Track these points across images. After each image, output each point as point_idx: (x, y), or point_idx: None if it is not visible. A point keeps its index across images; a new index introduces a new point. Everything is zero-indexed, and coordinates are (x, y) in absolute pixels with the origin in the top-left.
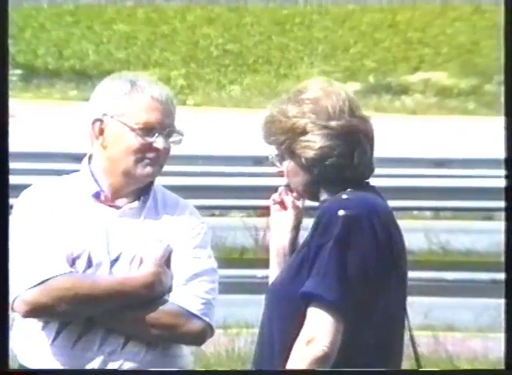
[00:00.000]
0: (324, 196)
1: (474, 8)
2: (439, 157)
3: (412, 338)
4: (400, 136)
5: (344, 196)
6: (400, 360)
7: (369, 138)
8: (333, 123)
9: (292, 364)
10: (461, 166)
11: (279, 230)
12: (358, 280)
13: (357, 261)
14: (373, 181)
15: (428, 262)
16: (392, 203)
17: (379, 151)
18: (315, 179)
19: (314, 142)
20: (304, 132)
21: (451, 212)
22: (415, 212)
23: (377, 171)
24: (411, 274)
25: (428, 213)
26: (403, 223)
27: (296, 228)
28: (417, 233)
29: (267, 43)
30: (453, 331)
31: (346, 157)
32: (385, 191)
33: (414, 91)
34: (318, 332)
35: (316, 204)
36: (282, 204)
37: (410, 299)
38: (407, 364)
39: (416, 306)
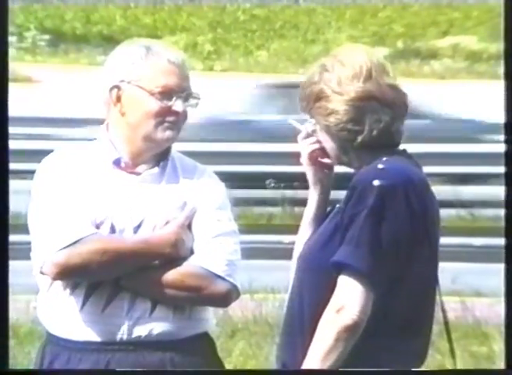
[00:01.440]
0: (356, 164)
1: None
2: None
3: (442, 305)
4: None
5: (380, 166)
6: (430, 329)
7: (389, 104)
8: (345, 89)
9: (321, 331)
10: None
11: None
12: (391, 250)
13: (390, 232)
14: (408, 147)
15: (456, 228)
16: (427, 169)
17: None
18: (339, 145)
19: (326, 107)
20: (319, 97)
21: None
22: (445, 178)
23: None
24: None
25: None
26: (434, 189)
27: (328, 189)
28: (446, 199)
29: (294, 8)
30: (480, 297)
31: (357, 123)
32: (417, 156)
33: (443, 55)
34: (348, 301)
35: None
36: (316, 158)
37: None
38: (436, 329)
39: (444, 272)
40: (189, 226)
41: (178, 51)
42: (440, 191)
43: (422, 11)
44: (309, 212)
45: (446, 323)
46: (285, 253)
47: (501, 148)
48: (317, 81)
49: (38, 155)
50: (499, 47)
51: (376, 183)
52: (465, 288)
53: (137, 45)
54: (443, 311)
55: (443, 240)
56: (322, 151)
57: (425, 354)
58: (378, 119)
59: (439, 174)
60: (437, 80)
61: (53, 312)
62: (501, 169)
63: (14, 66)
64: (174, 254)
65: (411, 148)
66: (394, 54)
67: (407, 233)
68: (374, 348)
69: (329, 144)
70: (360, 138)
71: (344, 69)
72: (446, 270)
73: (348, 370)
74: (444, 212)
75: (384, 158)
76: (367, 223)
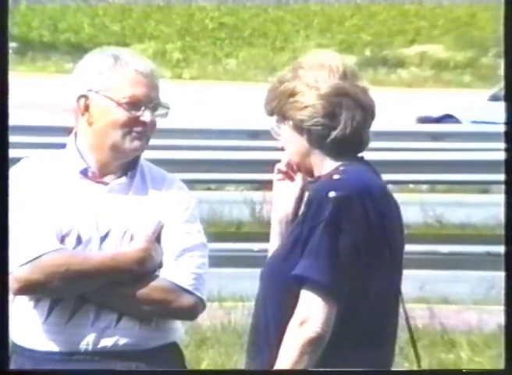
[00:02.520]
0: (317, 167)
1: None
2: (435, 130)
3: (406, 314)
4: (396, 109)
5: (335, 176)
6: (394, 338)
7: (362, 106)
8: (321, 84)
9: (286, 345)
10: (457, 139)
11: (283, 199)
12: (350, 261)
13: (348, 243)
14: (369, 155)
15: (423, 235)
16: (388, 177)
17: (375, 124)
18: (310, 141)
19: (301, 102)
20: (293, 93)
21: (447, 185)
22: (411, 186)
23: (373, 144)
24: (407, 247)
25: (424, 187)
26: (398, 197)
27: (300, 199)
28: (413, 207)
29: (263, 16)
30: (448, 304)
31: (333, 118)
32: (382, 164)
33: (410, 64)
34: (310, 314)
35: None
36: (287, 173)
37: (405, 272)
38: (404, 336)
39: (411, 279)
40: (157, 239)
41: (146, 60)
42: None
43: (389, 20)
44: (280, 215)
45: (410, 330)
46: (254, 261)
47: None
48: (290, 78)
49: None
50: (465, 55)
51: (332, 194)
52: (433, 295)
53: (105, 54)
54: (407, 320)
55: (411, 247)
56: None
57: (391, 363)
58: (353, 117)
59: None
60: (404, 88)
61: (17, 322)
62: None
63: None
64: (141, 270)
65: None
66: (362, 62)
67: (366, 243)
68: (338, 360)
69: (298, 144)
70: (333, 134)
71: (320, 68)
72: (414, 277)
73: (348, 370)
74: (411, 220)
75: (341, 168)
76: (324, 236)
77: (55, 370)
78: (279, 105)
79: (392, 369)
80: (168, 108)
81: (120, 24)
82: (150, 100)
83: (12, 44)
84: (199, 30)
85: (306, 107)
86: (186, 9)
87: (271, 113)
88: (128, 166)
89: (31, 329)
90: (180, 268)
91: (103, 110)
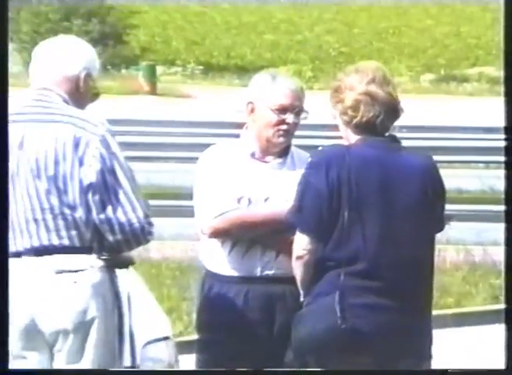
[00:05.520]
0: (348, 139)
1: None
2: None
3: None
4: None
5: (320, 148)
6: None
7: (380, 103)
8: (353, 86)
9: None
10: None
11: None
12: (313, 207)
13: (312, 193)
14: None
15: (480, 198)
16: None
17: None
18: (342, 124)
19: (338, 97)
20: (336, 90)
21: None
22: (472, 165)
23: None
24: (468, 206)
25: (481, 165)
26: (464, 172)
27: None
28: (473, 179)
29: (369, 47)
30: (496, 245)
31: (355, 110)
32: (453, 149)
33: (472, 80)
34: (294, 246)
35: None
36: None
37: (466, 224)
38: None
39: (471, 229)
40: None
41: (294, 78)
42: None
43: (457, 50)
44: None
45: None
46: None
47: None
48: (339, 80)
49: (200, 147)
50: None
51: (308, 158)
52: (486, 240)
53: (267, 74)
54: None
55: (471, 207)
56: None
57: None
58: (369, 111)
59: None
60: (468, 97)
61: (211, 255)
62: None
63: (179, 87)
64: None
65: None
66: (438, 78)
67: (325, 195)
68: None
69: (339, 125)
70: (354, 121)
71: (356, 73)
72: (473, 227)
73: (348, 370)
74: (472, 187)
75: (357, 142)
76: (299, 188)
77: (55, 370)
78: (330, 98)
79: (393, 369)
80: (307, 112)
81: (271, 53)
82: (294, 107)
83: (199, 67)
84: (324, 56)
85: (339, 101)
86: (316, 42)
87: (330, 103)
88: (283, 150)
89: (219, 260)
90: None
91: (261, 113)
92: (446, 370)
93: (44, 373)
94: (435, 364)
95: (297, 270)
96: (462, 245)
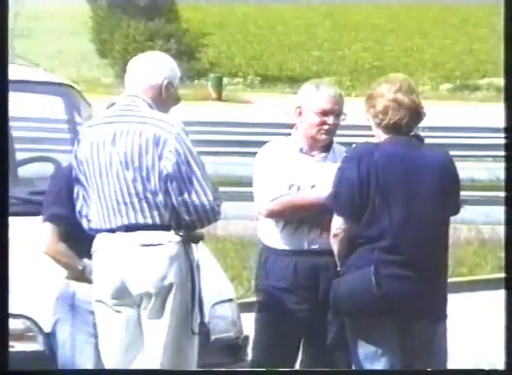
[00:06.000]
0: (379, 137)
1: None
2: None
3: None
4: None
5: (354, 145)
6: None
7: (405, 109)
8: (383, 94)
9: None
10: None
11: None
12: (346, 194)
13: (345, 183)
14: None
15: (489, 186)
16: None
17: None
18: (373, 126)
19: (371, 103)
20: (369, 97)
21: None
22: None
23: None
24: (477, 193)
25: (489, 159)
26: (473, 165)
27: None
28: (481, 170)
29: (397, 62)
30: (501, 225)
31: (383, 114)
32: (469, 145)
33: (483, 88)
34: (333, 223)
35: None
36: None
37: (476, 207)
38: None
39: (480, 211)
40: None
41: (335, 87)
42: None
43: (471, 64)
44: None
45: None
46: None
47: None
48: (372, 89)
49: (258, 144)
50: None
51: (344, 153)
52: (493, 220)
53: (312, 84)
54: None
55: (480, 193)
56: None
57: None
58: (395, 115)
59: None
60: (478, 103)
61: (267, 232)
62: None
63: (241, 94)
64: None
65: None
66: (454, 87)
67: (358, 186)
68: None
69: (372, 126)
70: (383, 123)
71: (386, 84)
72: (481, 210)
73: (348, 370)
74: (481, 177)
75: (386, 140)
76: (336, 177)
77: (56, 370)
78: (365, 104)
79: (392, 369)
80: (346, 115)
81: (316, 67)
82: (334, 111)
83: (257, 78)
84: (360, 69)
85: (371, 107)
86: (354, 58)
87: (365, 108)
88: (326, 146)
89: (274, 236)
90: None
91: (307, 116)
92: (447, 370)
93: (44, 373)
94: (450, 324)
95: (334, 246)
96: (473, 225)
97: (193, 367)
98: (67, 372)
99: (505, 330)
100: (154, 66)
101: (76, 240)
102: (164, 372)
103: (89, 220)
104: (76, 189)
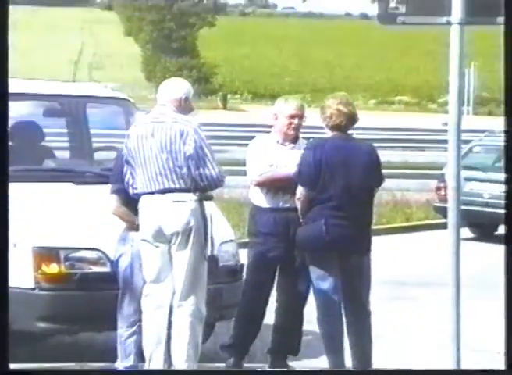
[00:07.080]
0: (327, 135)
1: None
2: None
3: None
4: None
5: (311, 139)
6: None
7: (344, 115)
8: (329, 105)
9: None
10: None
11: None
12: (306, 172)
13: (305, 165)
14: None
15: (398, 166)
16: None
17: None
18: (324, 126)
19: (322, 112)
20: (323, 107)
21: None
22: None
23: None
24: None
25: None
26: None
27: None
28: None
29: (341, 85)
30: None
31: (328, 119)
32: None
33: (396, 103)
34: (297, 191)
35: None
36: None
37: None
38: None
39: (392, 181)
40: None
41: (299, 100)
42: None
43: (388, 87)
44: None
45: None
46: None
47: None
48: (323, 102)
49: (250, 138)
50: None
51: (305, 145)
52: (403, 187)
53: (284, 98)
54: None
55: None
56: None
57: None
58: (336, 119)
59: None
60: (393, 113)
61: (255, 196)
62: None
63: (239, 105)
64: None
65: None
66: (377, 102)
67: (314, 165)
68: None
69: (323, 125)
70: (330, 125)
71: (332, 99)
72: (394, 182)
73: (348, 370)
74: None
75: (330, 137)
76: (300, 161)
77: (55, 370)
78: (320, 112)
79: (392, 369)
80: (306, 118)
81: (288, 88)
82: (298, 115)
83: (249, 95)
84: (317, 89)
85: (323, 113)
86: (313, 81)
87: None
88: (294, 139)
89: (260, 199)
90: None
91: (281, 119)
92: (447, 370)
93: (44, 372)
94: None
95: (298, 205)
96: (390, 191)
97: (205, 281)
98: (67, 372)
99: (505, 330)
100: (176, 87)
101: (131, 204)
102: (164, 372)
103: (134, 188)
104: (125, 168)
